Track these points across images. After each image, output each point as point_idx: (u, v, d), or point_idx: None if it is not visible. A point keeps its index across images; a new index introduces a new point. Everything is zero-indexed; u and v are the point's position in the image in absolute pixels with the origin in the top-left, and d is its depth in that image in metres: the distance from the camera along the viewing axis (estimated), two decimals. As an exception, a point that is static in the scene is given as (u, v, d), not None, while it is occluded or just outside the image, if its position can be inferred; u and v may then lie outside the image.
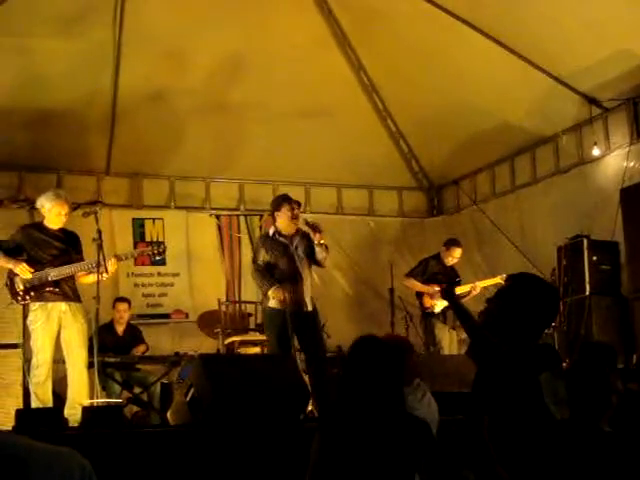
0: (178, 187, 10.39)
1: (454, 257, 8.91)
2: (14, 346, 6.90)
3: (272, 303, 6.82)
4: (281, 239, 6.93)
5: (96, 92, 9.06)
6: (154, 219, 10.18)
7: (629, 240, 7.91)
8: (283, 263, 6.89)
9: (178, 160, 10.03)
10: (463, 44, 8.47)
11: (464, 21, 8.16)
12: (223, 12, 8.49)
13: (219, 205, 10.59)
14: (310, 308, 6.91)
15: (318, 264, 7.07)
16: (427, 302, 8.77)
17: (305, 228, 7.01)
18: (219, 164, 10.27)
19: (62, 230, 6.45)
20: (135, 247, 9.76)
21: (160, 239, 9.91)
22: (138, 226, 10.10)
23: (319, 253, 6.91)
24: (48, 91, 8.74)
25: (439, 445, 3.12)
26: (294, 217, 6.92)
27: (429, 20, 8.31)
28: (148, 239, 10.01)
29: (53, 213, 6.33)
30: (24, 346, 6.80)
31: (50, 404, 6.01)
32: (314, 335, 6.92)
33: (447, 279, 8.80)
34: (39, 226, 6.47)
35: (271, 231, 7.03)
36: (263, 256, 6.95)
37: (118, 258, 6.51)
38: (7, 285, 6.31)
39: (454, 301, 4.10)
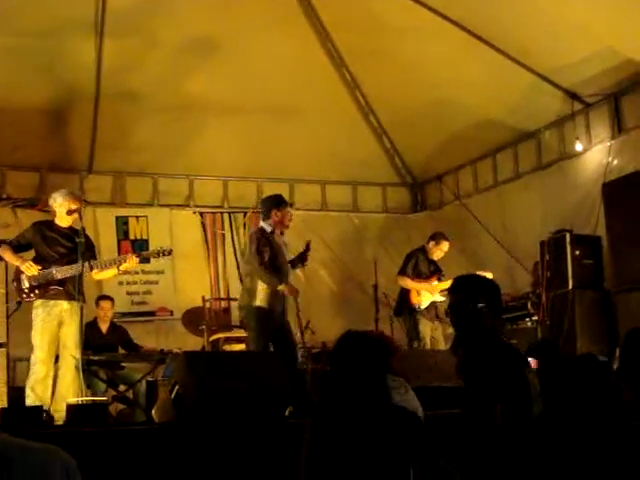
0: (161, 185, 10.37)
1: (443, 250, 8.88)
2: (-1, 345, 6.88)
3: (262, 302, 6.77)
4: (277, 237, 7.00)
5: (77, 90, 9.02)
6: (138, 217, 10.15)
7: (611, 234, 7.95)
8: (282, 258, 6.96)
9: (161, 158, 10.01)
10: (445, 41, 8.48)
11: (446, 18, 8.18)
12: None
13: (203, 203, 10.58)
14: None
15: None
16: (414, 298, 8.68)
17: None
18: (202, 161, 10.25)
19: (72, 229, 6.45)
20: (119, 245, 9.77)
21: (144, 237, 9.92)
22: (122, 224, 10.06)
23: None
24: (30, 89, 8.70)
25: (429, 437, 3.12)
26: (288, 224, 7.04)
27: (411, 16, 8.31)
28: (132, 237, 9.99)
29: (65, 208, 6.35)
30: (8, 345, 6.81)
31: (48, 402, 6.00)
32: (286, 331, 6.95)
33: (435, 273, 8.82)
34: (50, 224, 6.48)
35: (269, 228, 6.97)
36: (269, 251, 6.89)
37: (138, 255, 6.64)
38: (14, 282, 6.34)
39: None
